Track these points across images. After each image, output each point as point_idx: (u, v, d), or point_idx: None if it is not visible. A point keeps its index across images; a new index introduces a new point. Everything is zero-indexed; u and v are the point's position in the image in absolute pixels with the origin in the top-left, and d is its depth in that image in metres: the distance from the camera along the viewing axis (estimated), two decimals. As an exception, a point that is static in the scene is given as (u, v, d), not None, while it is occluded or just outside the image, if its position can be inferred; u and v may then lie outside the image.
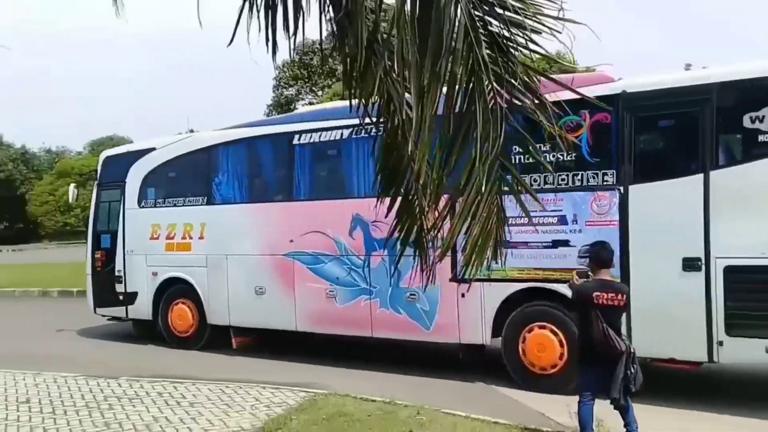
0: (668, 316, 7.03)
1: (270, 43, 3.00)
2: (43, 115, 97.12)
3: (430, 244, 3.44)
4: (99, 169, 12.54)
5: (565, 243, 7.60)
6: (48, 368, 9.08)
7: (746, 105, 6.66)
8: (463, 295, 8.31)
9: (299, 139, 9.77)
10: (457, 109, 2.89)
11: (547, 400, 7.39)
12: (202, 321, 10.89)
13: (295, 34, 3.02)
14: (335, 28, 3.10)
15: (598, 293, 5.46)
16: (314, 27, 3.13)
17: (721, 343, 6.82)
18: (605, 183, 7.42)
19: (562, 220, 7.63)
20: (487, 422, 6.45)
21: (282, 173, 10.25)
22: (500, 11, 2.82)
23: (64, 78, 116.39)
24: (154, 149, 11.67)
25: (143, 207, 11.56)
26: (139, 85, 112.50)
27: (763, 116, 6.60)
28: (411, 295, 8.69)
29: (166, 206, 11.29)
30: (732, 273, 6.71)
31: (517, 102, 2.92)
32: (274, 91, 45.03)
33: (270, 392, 7.60)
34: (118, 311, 11.95)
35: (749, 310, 6.67)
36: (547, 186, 7.67)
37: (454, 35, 2.71)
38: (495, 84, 2.81)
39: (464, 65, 2.79)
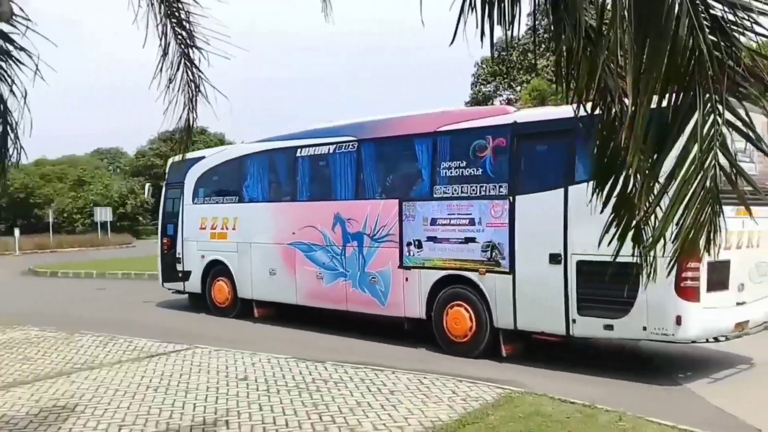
0: (540, 298, 8.97)
1: (487, 38, 2.98)
2: (259, 115, 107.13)
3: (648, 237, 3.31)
4: (167, 172, 15.79)
5: (473, 240, 9.67)
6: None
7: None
8: (407, 279, 10.56)
9: (301, 152, 12.34)
10: (674, 97, 2.80)
11: (763, 413, 7.02)
12: (234, 295, 13.78)
13: (512, 26, 2.99)
14: (551, 20, 3.05)
15: None
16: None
17: (574, 321, 8.69)
18: (500, 194, 9.41)
19: (472, 222, 9.70)
20: None
21: (289, 179, 12.89)
22: None
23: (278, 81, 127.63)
24: (204, 157, 14.69)
25: (195, 203, 14.57)
26: (339, 85, 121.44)
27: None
28: (372, 278, 11.04)
29: (211, 203, 14.25)
30: (582, 266, 8.54)
31: (740, 89, 2.76)
32: (471, 88, 44.16)
33: (467, 386, 7.68)
34: (179, 286, 15.15)
35: (594, 295, 8.47)
36: (462, 194, 9.77)
37: (675, 21, 2.63)
38: (717, 70, 2.68)
39: (685, 52, 2.70)
